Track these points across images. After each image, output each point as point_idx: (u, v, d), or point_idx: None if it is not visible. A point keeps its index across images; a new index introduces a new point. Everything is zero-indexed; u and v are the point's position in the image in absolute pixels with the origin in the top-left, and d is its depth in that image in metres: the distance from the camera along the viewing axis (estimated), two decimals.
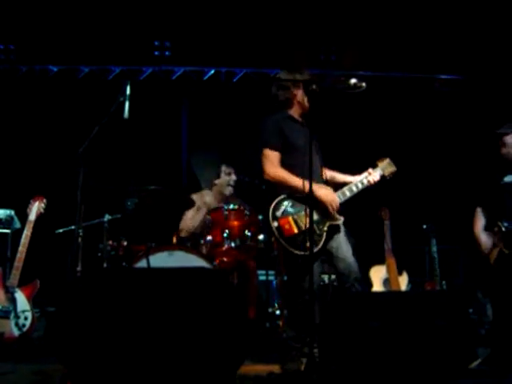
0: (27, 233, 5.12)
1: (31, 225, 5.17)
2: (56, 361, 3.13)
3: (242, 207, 5.26)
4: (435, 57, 7.44)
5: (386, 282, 6.14)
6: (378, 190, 4.44)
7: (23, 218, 5.31)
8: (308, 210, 3.68)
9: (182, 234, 5.82)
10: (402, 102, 7.67)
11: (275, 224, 3.97)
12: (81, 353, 2.98)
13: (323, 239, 4.03)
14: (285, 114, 4.27)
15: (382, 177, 4.40)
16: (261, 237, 5.23)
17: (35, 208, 5.24)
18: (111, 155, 7.08)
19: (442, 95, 7.76)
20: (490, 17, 6.87)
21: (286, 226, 3.96)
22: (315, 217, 4.01)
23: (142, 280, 3.21)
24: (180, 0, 6.96)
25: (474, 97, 7.56)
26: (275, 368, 3.94)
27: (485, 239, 5.00)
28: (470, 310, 6.04)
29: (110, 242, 5.33)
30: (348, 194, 4.19)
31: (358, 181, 4.28)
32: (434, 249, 6.39)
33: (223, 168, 6.02)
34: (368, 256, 5.98)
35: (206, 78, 7.82)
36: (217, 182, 6.03)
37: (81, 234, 5.15)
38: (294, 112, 4.28)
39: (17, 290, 4.95)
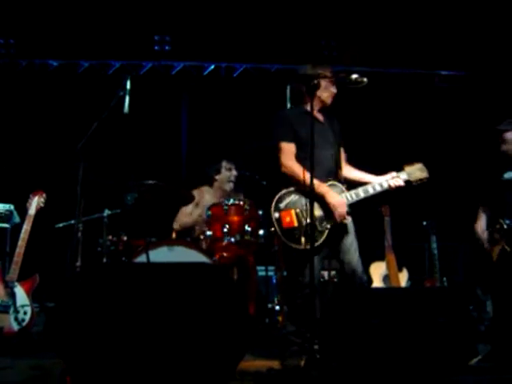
0: (27, 227, 5.11)
1: (31, 219, 5.16)
2: (55, 356, 3.13)
3: (242, 202, 5.25)
4: (436, 52, 7.43)
5: (386, 278, 6.14)
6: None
7: (23, 212, 5.30)
8: (309, 204, 3.68)
9: (175, 227, 5.84)
10: (403, 98, 7.66)
11: (276, 215, 3.99)
12: (80, 348, 2.97)
13: (324, 236, 4.02)
14: (301, 108, 4.24)
15: (408, 182, 4.25)
16: (261, 232, 5.21)
17: (35, 202, 5.23)
18: (111, 150, 7.07)
19: (442, 91, 7.75)
20: (490, 12, 6.86)
21: (287, 219, 3.98)
22: (319, 213, 4.02)
23: (141, 275, 3.20)
24: None
25: (474, 93, 7.56)
26: (275, 364, 3.93)
27: (487, 237, 5.00)
28: (470, 307, 6.04)
29: (110, 237, 5.32)
30: (362, 195, 4.12)
31: (376, 182, 4.18)
32: (434, 245, 6.40)
33: (224, 163, 5.99)
34: (368, 252, 5.96)
35: (205, 73, 7.81)
36: (217, 177, 6.00)
37: (80, 228, 5.14)
38: (315, 107, 4.19)
39: (16, 284, 4.95)
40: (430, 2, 6.86)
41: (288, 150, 4.14)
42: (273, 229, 4.07)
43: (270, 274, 6.15)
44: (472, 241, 5.15)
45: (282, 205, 4.03)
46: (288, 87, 4.44)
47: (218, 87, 7.76)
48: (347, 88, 4.16)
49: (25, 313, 4.88)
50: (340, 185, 4.13)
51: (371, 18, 7.10)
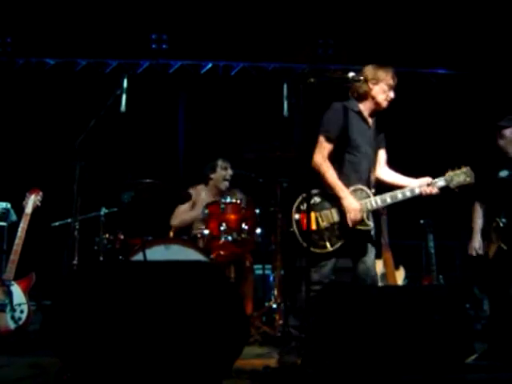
0: (23, 226, 5.10)
1: (27, 218, 5.15)
2: (52, 354, 3.12)
3: (239, 201, 5.26)
4: (432, 51, 7.43)
5: (383, 276, 6.14)
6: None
7: (19, 210, 5.29)
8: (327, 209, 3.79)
9: (173, 223, 5.86)
10: (398, 95, 7.65)
11: (296, 216, 4.00)
12: (77, 346, 2.97)
13: (341, 243, 4.01)
14: (355, 106, 4.21)
15: (447, 188, 4.14)
16: (258, 230, 5.23)
17: (31, 201, 5.22)
18: (108, 148, 7.06)
19: (438, 89, 7.75)
20: (486, 11, 6.87)
21: (305, 221, 3.94)
22: (337, 218, 4.02)
23: (138, 273, 3.20)
24: None
25: (470, 91, 7.56)
26: (271, 362, 3.94)
27: (478, 241, 5.02)
28: (467, 305, 6.05)
29: (107, 236, 5.32)
30: (389, 200, 4.07)
31: (408, 188, 4.10)
32: (431, 244, 6.40)
33: (219, 162, 5.98)
34: None
35: (203, 71, 7.80)
36: (213, 176, 6.00)
37: (77, 227, 5.14)
38: (365, 108, 4.21)
39: (13, 283, 4.94)
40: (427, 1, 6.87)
41: (324, 146, 4.09)
42: (292, 229, 4.08)
43: (268, 272, 6.15)
44: (469, 239, 5.16)
45: (303, 206, 4.02)
46: (285, 85, 4.42)
47: (216, 86, 7.76)
48: (344, 86, 4.18)
49: (21, 311, 4.87)
50: (367, 190, 4.08)
51: (368, 16, 7.10)
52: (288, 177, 5.38)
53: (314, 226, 3.97)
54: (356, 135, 4.11)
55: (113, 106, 4.42)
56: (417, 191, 4.08)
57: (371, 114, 4.25)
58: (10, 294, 4.89)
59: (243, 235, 5.13)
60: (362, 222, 4.02)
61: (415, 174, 4.22)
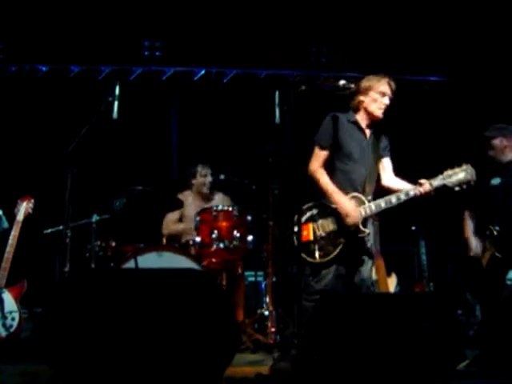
0: (15, 233, 5.09)
1: (19, 225, 5.14)
2: (44, 362, 3.11)
3: (231, 208, 5.27)
4: (423, 59, 7.47)
5: (375, 283, 6.14)
6: None
7: (11, 218, 5.27)
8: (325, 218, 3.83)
9: (164, 233, 5.87)
10: (391, 103, 7.68)
11: (296, 229, 3.99)
12: (68, 354, 2.96)
13: (337, 251, 4.01)
14: (352, 117, 4.23)
15: (445, 188, 4.02)
16: (249, 238, 5.23)
17: (23, 208, 5.20)
18: (100, 156, 7.05)
19: (429, 97, 7.77)
20: (477, 20, 6.91)
21: (305, 232, 4.02)
22: (333, 226, 4.04)
23: (130, 281, 3.20)
24: (170, 0, 6.96)
25: (461, 99, 7.59)
26: (263, 369, 3.93)
27: (474, 243, 5.02)
28: (459, 312, 6.06)
29: (99, 243, 5.32)
30: (383, 205, 4.04)
31: (403, 191, 4.05)
32: (423, 250, 6.41)
33: (199, 169, 6.02)
34: None
35: (196, 78, 7.81)
36: (194, 182, 6.04)
37: (69, 234, 5.12)
38: (362, 118, 4.23)
39: (4, 290, 4.92)
40: (419, 9, 6.90)
41: (319, 155, 4.15)
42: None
43: (260, 279, 6.16)
44: (461, 245, 5.18)
45: (304, 218, 4.06)
46: (277, 93, 4.42)
47: (209, 92, 7.77)
48: (336, 94, 4.19)
49: (13, 319, 4.85)
50: (362, 197, 4.08)
51: (361, 24, 7.13)
52: (280, 183, 5.40)
53: (311, 237, 4.00)
54: (349, 144, 4.13)
55: (105, 113, 4.42)
56: (411, 193, 4.02)
57: (369, 125, 4.25)
58: (1, 302, 4.87)
59: (235, 242, 5.14)
60: (357, 228, 4.02)
61: (408, 181, 4.22)
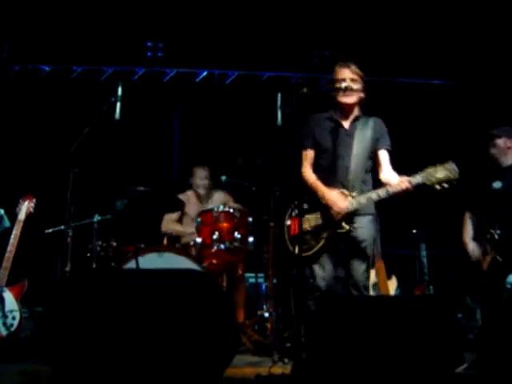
0: (16, 232, 5.11)
1: (20, 224, 5.16)
2: (44, 361, 3.12)
3: (231, 210, 5.28)
4: (425, 62, 7.47)
5: (375, 286, 6.15)
6: None
7: (12, 217, 5.29)
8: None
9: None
10: (392, 106, 7.68)
11: (288, 222, 4.17)
12: (68, 353, 2.97)
13: (319, 245, 4.06)
14: (329, 114, 4.28)
15: (425, 186, 3.92)
16: (250, 239, 5.24)
17: (24, 207, 5.22)
18: (102, 156, 7.07)
19: (432, 100, 7.78)
20: (479, 23, 6.92)
21: (293, 226, 4.13)
22: (318, 222, 4.10)
23: (130, 281, 3.21)
24: (173, 1, 6.97)
25: (464, 101, 7.59)
26: (263, 370, 3.94)
27: (473, 247, 5.03)
28: (460, 315, 6.06)
29: (100, 243, 5.32)
30: (363, 201, 4.02)
31: (384, 188, 4.01)
32: (424, 254, 6.41)
33: (196, 171, 6.07)
34: None
35: (198, 79, 7.81)
36: (192, 182, 6.09)
37: (70, 234, 5.14)
38: (337, 111, 4.25)
39: (5, 289, 4.93)
40: (421, 12, 6.90)
41: (305, 157, 4.22)
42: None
43: (260, 281, 6.16)
44: (461, 249, 5.18)
45: (294, 213, 4.13)
46: (279, 95, 4.44)
47: (211, 94, 7.77)
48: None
49: (13, 318, 4.87)
50: (346, 192, 4.07)
51: (364, 27, 7.13)
52: (281, 185, 5.40)
53: (298, 231, 3.99)
54: (325, 140, 4.18)
55: (107, 113, 4.44)
56: (390, 191, 3.97)
57: (346, 116, 4.26)
58: (1, 301, 4.88)
59: (236, 244, 5.14)
60: (339, 224, 4.03)
61: None
